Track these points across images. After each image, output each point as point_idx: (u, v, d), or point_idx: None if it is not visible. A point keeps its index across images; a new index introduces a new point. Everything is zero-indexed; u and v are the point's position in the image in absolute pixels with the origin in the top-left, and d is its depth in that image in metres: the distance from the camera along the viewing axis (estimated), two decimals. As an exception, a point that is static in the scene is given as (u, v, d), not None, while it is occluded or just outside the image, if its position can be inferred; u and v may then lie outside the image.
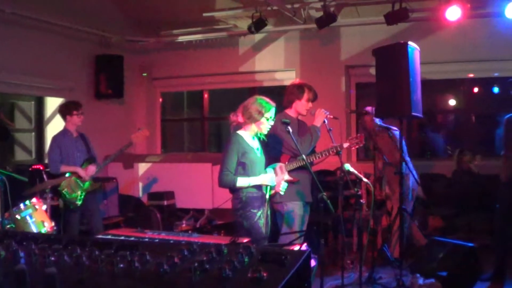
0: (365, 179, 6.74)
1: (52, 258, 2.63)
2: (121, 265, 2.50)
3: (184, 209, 10.49)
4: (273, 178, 5.93)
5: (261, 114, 5.78)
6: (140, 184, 11.45)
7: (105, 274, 2.47)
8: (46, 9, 9.96)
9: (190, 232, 9.87)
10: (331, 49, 10.89)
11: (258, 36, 11.28)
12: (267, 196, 6.02)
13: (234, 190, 5.78)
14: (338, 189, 8.03)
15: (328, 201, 5.97)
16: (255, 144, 5.87)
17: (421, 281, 6.97)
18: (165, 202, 10.45)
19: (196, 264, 2.40)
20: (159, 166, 11.46)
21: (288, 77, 11.18)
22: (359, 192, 6.83)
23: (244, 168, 5.71)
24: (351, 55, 10.76)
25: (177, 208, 10.60)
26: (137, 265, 2.50)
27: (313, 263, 4.59)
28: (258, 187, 5.79)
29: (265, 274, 2.29)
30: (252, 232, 5.54)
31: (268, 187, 5.98)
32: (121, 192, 10.88)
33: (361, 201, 6.64)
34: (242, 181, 5.67)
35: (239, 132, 5.83)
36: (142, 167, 11.59)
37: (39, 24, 10.02)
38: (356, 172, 6.68)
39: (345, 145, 6.74)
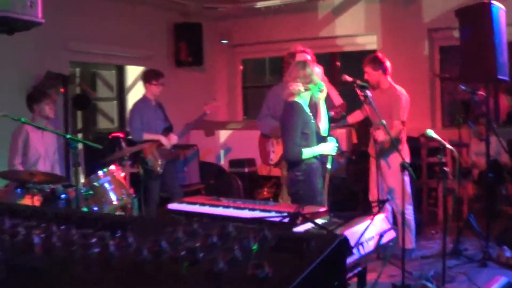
0: (449, 146, 6.49)
1: (20, 237, 2.16)
2: (96, 250, 1.98)
3: (265, 177, 10.41)
4: (334, 147, 5.72)
5: (319, 77, 5.62)
6: (221, 151, 11.46)
7: (68, 260, 1.97)
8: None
9: (270, 200, 9.83)
10: (413, 11, 10.50)
11: (337, 0, 11.04)
12: (329, 166, 5.87)
13: (296, 163, 5.58)
14: (421, 156, 7.83)
15: (410, 168, 5.80)
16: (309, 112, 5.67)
17: (508, 253, 6.71)
18: (246, 170, 10.43)
19: (184, 253, 1.86)
20: (240, 133, 11.43)
21: (369, 42, 10.92)
22: (443, 160, 6.61)
23: (306, 139, 5.50)
24: (434, 17, 10.34)
25: (259, 176, 10.55)
26: (114, 251, 1.96)
27: (392, 234, 4.42)
28: (317, 157, 5.61)
29: (269, 271, 1.71)
30: (315, 204, 5.32)
31: (329, 157, 5.84)
32: (202, 159, 10.91)
33: (445, 169, 6.38)
34: (307, 153, 5.47)
35: (298, 100, 5.61)
36: (223, 134, 11.61)
37: (118, -7, 10.06)
38: (439, 138, 6.44)
39: (331, 113, 6.60)
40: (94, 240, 2.03)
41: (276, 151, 6.95)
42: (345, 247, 1.91)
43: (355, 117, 7.59)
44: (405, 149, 7.08)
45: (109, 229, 2.18)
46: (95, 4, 9.73)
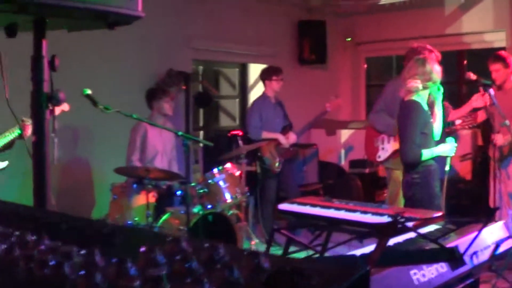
0: None
1: None
2: (51, 265, 1.55)
3: (386, 178, 10.19)
4: (453, 148, 5.48)
5: (438, 76, 5.40)
6: (342, 151, 11.30)
7: (17, 278, 1.58)
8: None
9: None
10: (546, 6, 10.00)
11: (465, -5, 10.65)
12: (447, 168, 5.62)
13: (413, 165, 5.37)
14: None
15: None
16: None
17: None
18: (367, 170, 10.22)
19: (139, 283, 1.42)
20: (362, 133, 11.17)
21: (498, 39, 10.46)
22: None
23: (425, 140, 5.30)
24: None
25: (379, 177, 10.33)
26: (69, 272, 1.51)
27: (511, 243, 4.17)
28: (436, 158, 5.39)
29: None
30: (432, 209, 5.11)
31: (448, 159, 5.60)
32: (322, 159, 10.79)
33: None
34: (426, 154, 5.27)
35: (416, 98, 5.40)
36: (345, 134, 11.44)
37: (242, -9, 10.09)
38: None
39: (457, 122, 6.28)
40: (51, 256, 1.63)
41: (386, 149, 6.78)
42: (366, 283, 1.42)
43: (478, 117, 7.30)
44: None
45: (86, 242, 1.82)
46: (219, 2, 9.78)
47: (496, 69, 6.91)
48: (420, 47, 6.76)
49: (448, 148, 5.44)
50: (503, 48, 9.80)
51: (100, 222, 2.39)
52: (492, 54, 7.10)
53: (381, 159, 6.89)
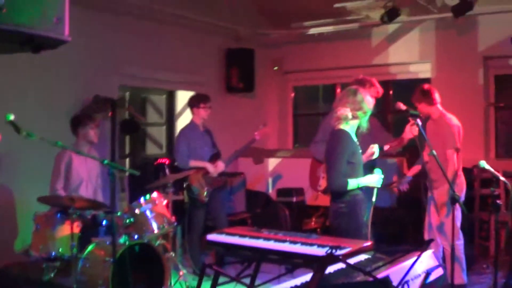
0: (502, 178, 6.23)
1: None
2: None
3: (313, 206, 10.22)
4: (380, 179, 5.52)
5: (369, 107, 5.45)
6: (270, 180, 11.30)
7: None
8: (177, 3, 9.94)
9: (318, 230, 9.63)
10: (468, 39, 10.23)
11: (391, 27, 10.79)
12: (373, 199, 5.67)
13: (340, 194, 5.38)
14: (474, 188, 7.60)
15: (461, 200, 5.59)
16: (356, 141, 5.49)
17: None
18: (294, 199, 10.24)
19: None
20: (289, 162, 11.27)
21: (423, 70, 10.68)
22: (496, 192, 6.38)
23: (353, 169, 5.32)
24: (490, 45, 10.05)
25: (307, 205, 10.35)
26: None
27: (440, 272, 4.19)
28: (363, 189, 5.41)
29: None
30: (358, 238, 5.10)
31: (375, 189, 5.64)
32: (249, 187, 10.77)
33: (498, 201, 6.14)
34: (352, 183, 5.29)
35: (344, 128, 5.43)
36: (272, 162, 11.45)
37: (170, 18, 10.00)
38: (492, 170, 6.20)
39: (385, 147, 6.45)
40: None
41: (326, 178, 6.83)
42: None
43: (415, 169, 7.39)
44: (461, 180, 6.84)
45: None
46: (146, 28, 9.69)
47: (416, 105, 7.00)
48: (364, 79, 6.85)
49: (375, 179, 5.47)
50: (428, 79, 10.02)
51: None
52: (416, 91, 7.13)
53: (322, 188, 6.94)
